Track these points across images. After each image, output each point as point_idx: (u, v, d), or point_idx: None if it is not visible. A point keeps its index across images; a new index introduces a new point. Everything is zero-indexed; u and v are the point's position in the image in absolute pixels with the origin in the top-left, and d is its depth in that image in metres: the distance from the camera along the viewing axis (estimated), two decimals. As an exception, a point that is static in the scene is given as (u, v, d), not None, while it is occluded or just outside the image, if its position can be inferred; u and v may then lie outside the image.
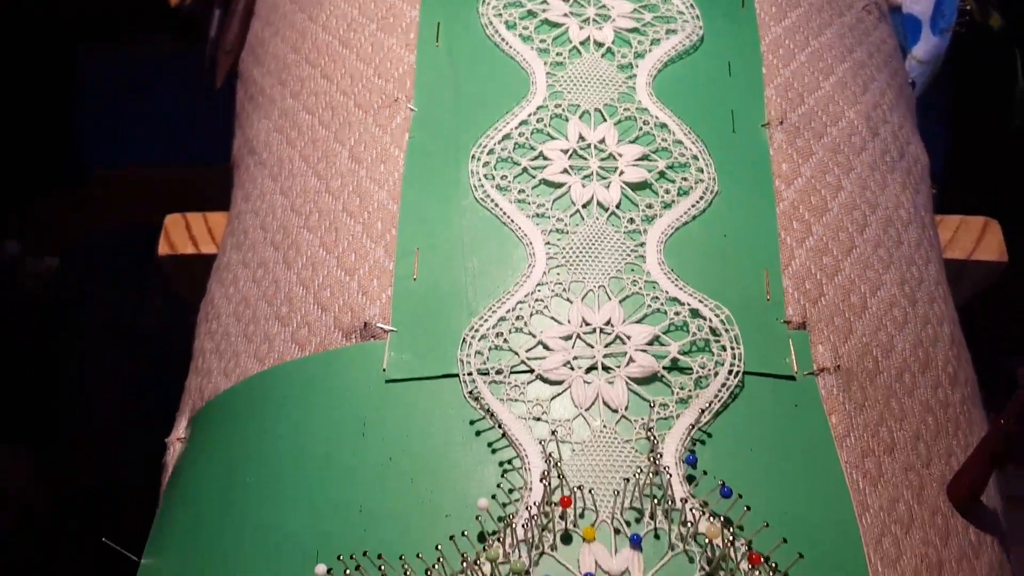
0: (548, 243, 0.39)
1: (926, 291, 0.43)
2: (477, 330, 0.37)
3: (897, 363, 0.39)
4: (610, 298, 0.37)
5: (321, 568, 0.32)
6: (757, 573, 0.31)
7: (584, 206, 0.39)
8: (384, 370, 0.37)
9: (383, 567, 0.31)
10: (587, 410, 0.35)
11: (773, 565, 0.31)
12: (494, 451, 0.35)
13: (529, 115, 0.42)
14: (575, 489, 0.33)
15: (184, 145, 1.05)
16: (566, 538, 0.33)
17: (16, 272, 1.02)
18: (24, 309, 1.00)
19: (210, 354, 0.44)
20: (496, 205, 0.40)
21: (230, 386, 0.41)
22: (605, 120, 0.42)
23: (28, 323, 0.99)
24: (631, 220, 0.39)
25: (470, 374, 0.36)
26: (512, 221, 0.39)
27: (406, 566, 0.31)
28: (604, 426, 0.35)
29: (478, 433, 0.35)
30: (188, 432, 0.43)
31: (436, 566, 0.31)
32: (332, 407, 0.37)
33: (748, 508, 0.32)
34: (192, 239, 0.55)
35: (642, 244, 0.39)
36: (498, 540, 0.32)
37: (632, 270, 0.38)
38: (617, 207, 0.39)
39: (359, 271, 0.40)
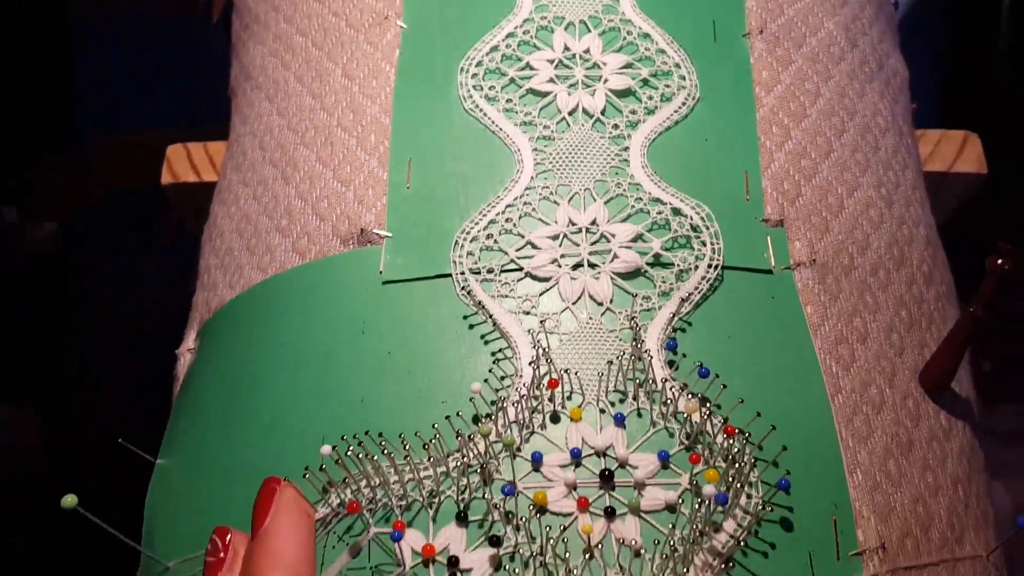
0: (535, 149, 0.40)
1: (903, 195, 0.44)
2: (468, 232, 0.39)
3: (872, 260, 0.41)
4: (595, 199, 0.39)
5: (326, 448, 0.34)
6: (733, 443, 0.33)
7: (570, 113, 0.41)
8: (380, 273, 0.39)
9: (383, 445, 0.33)
10: (574, 304, 0.37)
11: (747, 435, 0.33)
12: (486, 342, 0.37)
13: (516, 27, 0.43)
14: (562, 372, 0.35)
15: (180, 109, 1.05)
16: (554, 418, 0.35)
17: (16, 239, 1.03)
18: (26, 274, 1.01)
19: (215, 270, 0.46)
20: (485, 115, 0.41)
21: (235, 296, 0.43)
22: (590, 31, 0.43)
23: (31, 287, 1.00)
24: (615, 126, 0.41)
25: (462, 273, 0.38)
26: (501, 130, 0.41)
27: (405, 443, 0.33)
28: (590, 318, 0.37)
29: (471, 327, 0.37)
30: (197, 343, 0.45)
31: (433, 443, 0.33)
32: (332, 309, 0.39)
33: (725, 386, 0.34)
34: (193, 167, 0.57)
35: (626, 149, 0.40)
36: (490, 420, 0.34)
37: (616, 173, 0.40)
38: (602, 114, 0.41)
39: (354, 182, 0.41)
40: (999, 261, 0.37)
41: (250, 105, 0.50)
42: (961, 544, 0.36)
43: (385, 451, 0.33)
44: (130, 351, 0.96)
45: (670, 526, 0.32)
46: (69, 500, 0.33)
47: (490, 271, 0.38)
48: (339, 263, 0.40)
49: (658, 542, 0.32)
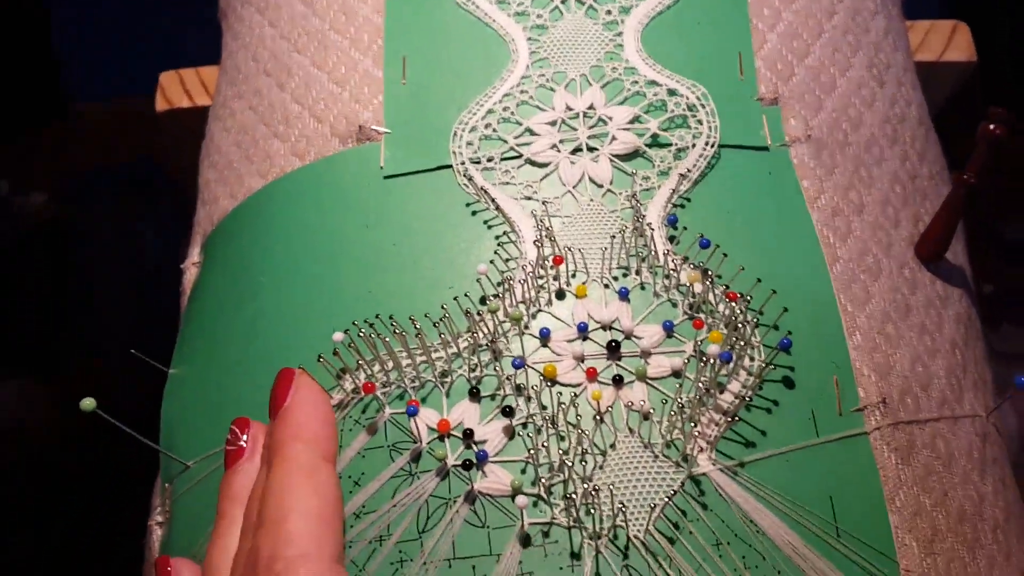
0: (530, 39, 0.40)
1: (894, 75, 0.45)
2: (467, 123, 0.39)
3: (866, 136, 0.41)
4: (591, 84, 0.39)
5: (338, 335, 0.34)
6: (735, 307, 0.33)
7: (563, 2, 0.41)
8: (381, 168, 0.39)
9: (394, 326, 0.34)
10: (575, 187, 0.38)
11: (749, 299, 0.34)
12: (489, 227, 0.37)
13: (504, -79, 0.43)
14: (566, 249, 0.35)
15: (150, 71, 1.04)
16: (560, 295, 0.35)
17: (7, 209, 1.03)
18: (22, 245, 1.01)
19: (214, 183, 0.46)
20: (477, 7, 0.41)
21: (237, 205, 0.43)
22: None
23: (27, 259, 1.00)
24: (608, 12, 0.41)
25: (463, 163, 0.38)
26: (494, 21, 0.41)
27: (416, 324, 0.34)
28: (591, 200, 0.37)
29: (473, 213, 0.38)
30: (202, 256, 0.45)
31: (442, 322, 0.34)
32: (335, 206, 0.39)
33: (725, 255, 0.35)
34: (187, 92, 0.57)
35: (620, 34, 0.40)
36: (498, 299, 0.35)
37: (611, 58, 0.40)
38: (595, 0, 0.41)
39: (350, 82, 0.42)
40: (991, 127, 0.37)
41: (241, 21, 0.50)
42: (960, 404, 0.37)
43: (397, 332, 0.34)
44: (134, 317, 0.96)
45: (677, 387, 0.33)
46: (88, 403, 0.34)
47: (490, 159, 0.38)
48: (339, 161, 0.40)
49: (665, 402, 0.32)
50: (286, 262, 0.39)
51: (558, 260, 0.35)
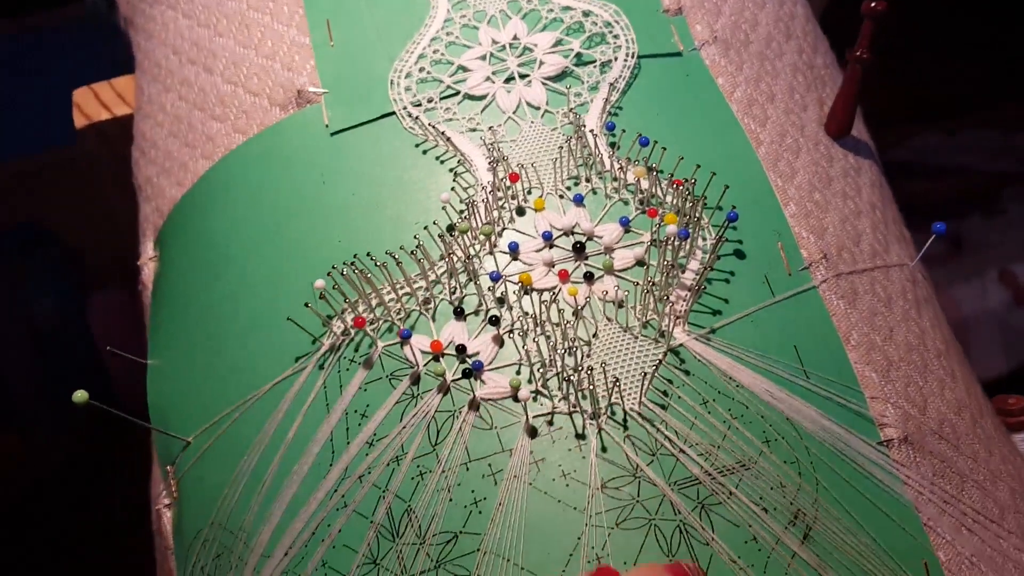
0: (445, -15, 0.43)
1: (777, -20, 0.49)
2: (401, 71, 0.41)
3: (763, 34, 0.45)
4: (511, 17, 0.42)
5: (320, 282, 0.36)
6: (682, 191, 0.36)
7: (470, -53, 0.43)
8: (327, 126, 0.41)
9: (374, 259, 0.36)
10: (514, 112, 0.40)
11: (694, 181, 0.37)
12: (442, 162, 0.39)
13: None
14: (519, 167, 0.38)
15: (22, 135, 0.99)
16: (520, 212, 0.38)
17: None
18: None
19: (156, 177, 0.47)
20: (390, -37, 0.43)
21: (186, 191, 0.44)
22: None
23: None
24: (513, -49, 0.43)
25: (405, 108, 0.40)
26: (408, -27, 0.43)
27: (395, 257, 0.36)
28: (532, 122, 0.40)
29: (424, 152, 0.39)
30: (157, 250, 0.46)
31: (417, 252, 0.36)
32: (289, 169, 0.41)
33: (664, 149, 0.38)
34: (104, 105, 0.57)
35: (528, -31, 0.43)
36: (466, 221, 0.37)
37: (524, -7, 0.42)
38: (499, -57, 0.43)
39: (279, 53, 0.43)
40: (872, 4, 0.41)
41: (152, 20, 0.50)
42: (888, 255, 0.41)
43: (378, 264, 0.35)
44: (39, 380, 0.92)
45: (643, 273, 0.35)
46: (80, 396, 0.35)
47: (430, 100, 0.40)
48: (285, 128, 0.41)
49: (637, 284, 0.35)
50: (251, 231, 0.40)
51: (514, 177, 0.37)
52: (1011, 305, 0.97)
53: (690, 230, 0.36)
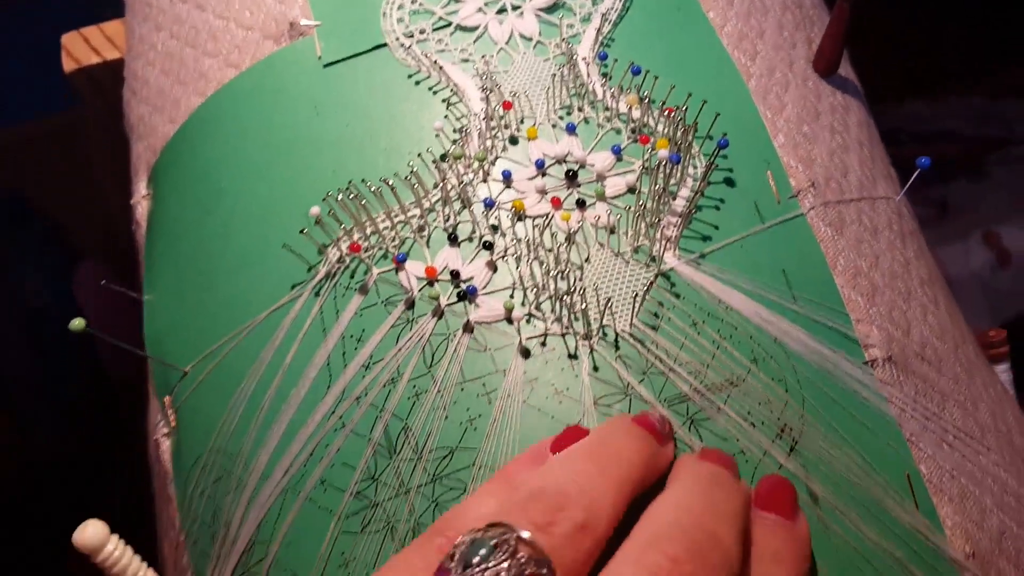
0: (436, -81, 0.42)
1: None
2: (393, 2, 0.41)
3: (754, -29, 0.45)
4: (503, -51, 0.42)
5: (315, 209, 0.36)
6: (674, 118, 0.37)
7: None
8: (319, 57, 0.41)
9: (370, 186, 0.36)
10: (506, 43, 0.40)
11: (685, 109, 0.37)
12: (435, 93, 0.39)
13: None
14: (512, 95, 0.38)
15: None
16: (513, 140, 0.38)
17: None
18: None
19: (149, 115, 0.47)
20: None
21: (179, 127, 0.44)
22: None
23: None
24: None
25: (397, 39, 0.40)
26: (399, -93, 0.43)
27: (390, 184, 0.36)
28: (524, 53, 0.40)
29: (417, 83, 0.40)
30: (151, 187, 0.46)
31: (411, 178, 0.36)
32: (283, 101, 0.41)
33: (657, 78, 0.38)
34: (93, 49, 0.56)
35: (519, -96, 0.43)
36: (459, 147, 0.37)
37: (515, -73, 0.42)
38: None
39: (271, -13, 0.43)
40: (860, -60, 0.42)
41: (140, -41, 0.50)
42: (875, 189, 0.42)
43: (373, 189, 0.36)
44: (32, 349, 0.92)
45: (635, 198, 0.36)
46: (77, 323, 0.35)
47: (422, 32, 0.40)
48: (278, 60, 0.42)
49: (629, 208, 0.36)
50: (244, 164, 0.41)
51: (507, 105, 0.37)
52: (994, 266, 0.98)
53: (681, 155, 0.36)
